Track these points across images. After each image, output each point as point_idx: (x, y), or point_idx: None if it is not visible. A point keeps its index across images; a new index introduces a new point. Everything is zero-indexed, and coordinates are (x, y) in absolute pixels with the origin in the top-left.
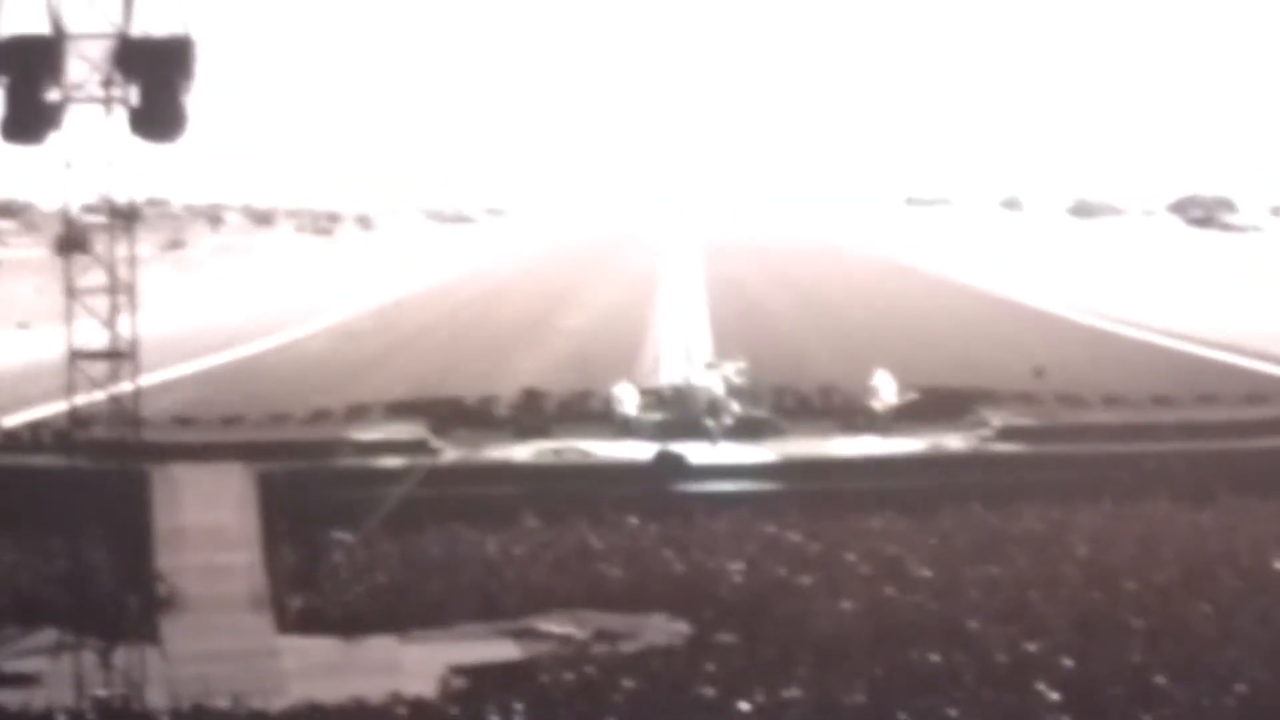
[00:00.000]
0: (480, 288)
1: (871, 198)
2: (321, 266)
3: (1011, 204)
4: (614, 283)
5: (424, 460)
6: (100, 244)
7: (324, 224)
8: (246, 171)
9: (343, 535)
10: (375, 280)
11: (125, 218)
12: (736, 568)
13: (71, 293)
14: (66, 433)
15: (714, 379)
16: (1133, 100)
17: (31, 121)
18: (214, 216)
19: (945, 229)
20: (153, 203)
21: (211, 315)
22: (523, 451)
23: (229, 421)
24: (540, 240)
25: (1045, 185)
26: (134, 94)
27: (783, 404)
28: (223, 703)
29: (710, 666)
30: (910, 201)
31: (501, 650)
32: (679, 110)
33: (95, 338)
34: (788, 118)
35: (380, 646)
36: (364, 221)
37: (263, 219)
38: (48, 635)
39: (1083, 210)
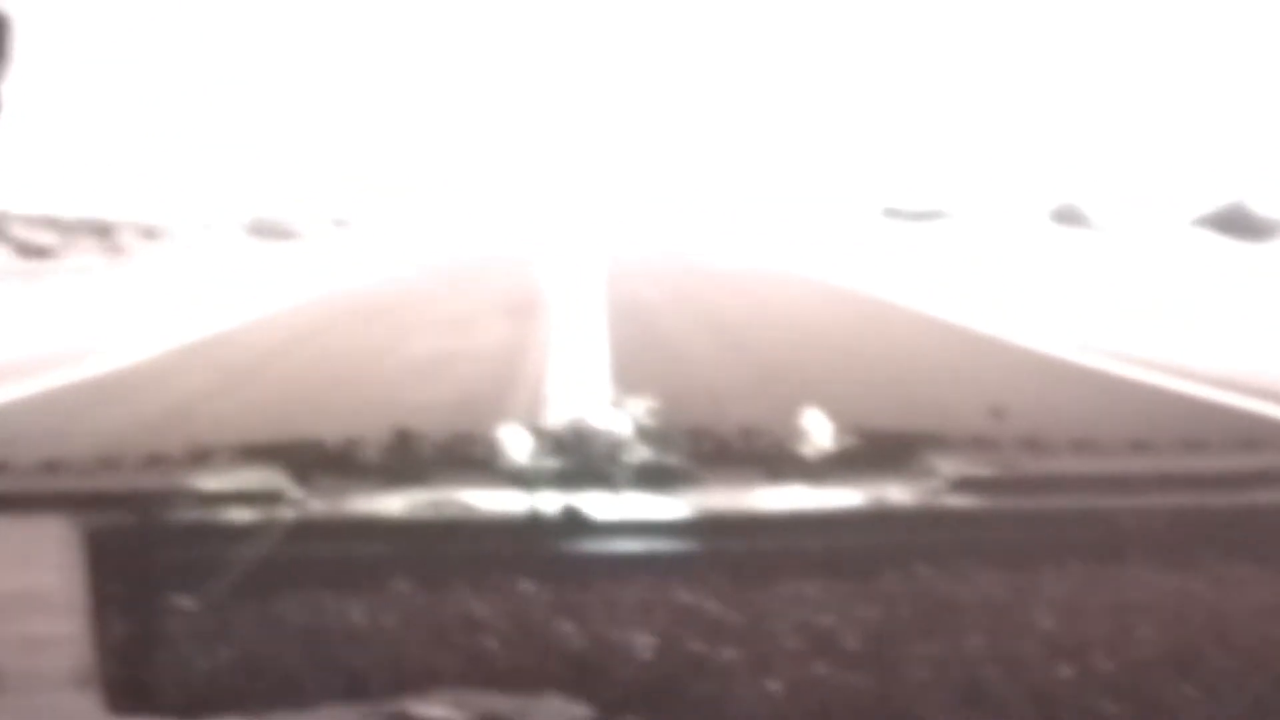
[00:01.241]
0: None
1: (835, 205)
2: None
3: (1069, 216)
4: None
5: (280, 514)
6: None
7: (38, 243)
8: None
9: (184, 601)
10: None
11: None
12: (645, 641)
13: None
14: None
15: (618, 420)
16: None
17: None
18: None
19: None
20: None
21: None
22: (395, 503)
23: (48, 466)
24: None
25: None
26: None
27: (699, 448)
28: None
29: None
30: (891, 214)
31: None
32: (584, 86)
33: None
34: (718, 94)
35: None
36: (150, 234)
37: None
38: None
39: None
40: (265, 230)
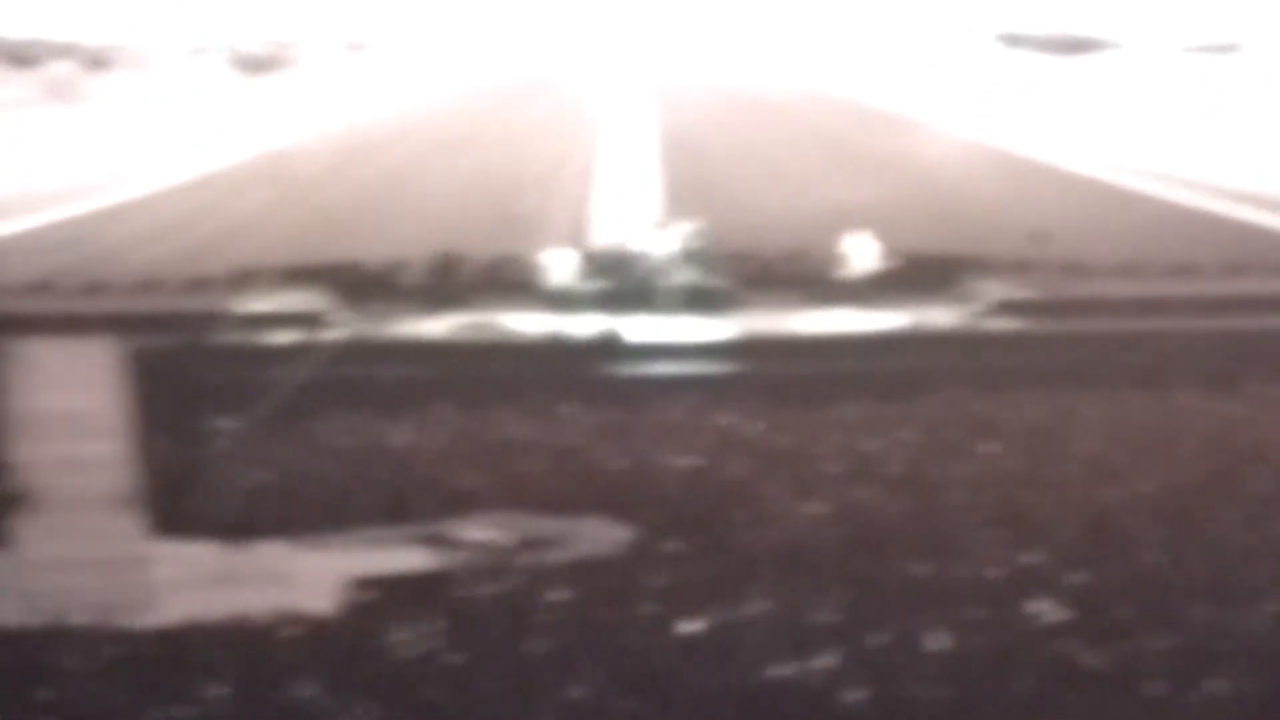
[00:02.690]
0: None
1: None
2: None
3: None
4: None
5: (321, 336)
6: None
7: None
8: None
9: (225, 423)
10: None
11: None
12: (687, 464)
13: None
14: None
15: (663, 242)
16: None
17: None
18: None
19: None
20: None
21: None
22: (436, 326)
23: (93, 289)
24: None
25: None
26: None
27: (743, 271)
28: (85, 618)
29: (655, 580)
30: (1013, 40)
31: (411, 559)
32: None
33: None
34: None
35: (269, 554)
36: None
37: None
38: None
39: None
40: (251, 62)
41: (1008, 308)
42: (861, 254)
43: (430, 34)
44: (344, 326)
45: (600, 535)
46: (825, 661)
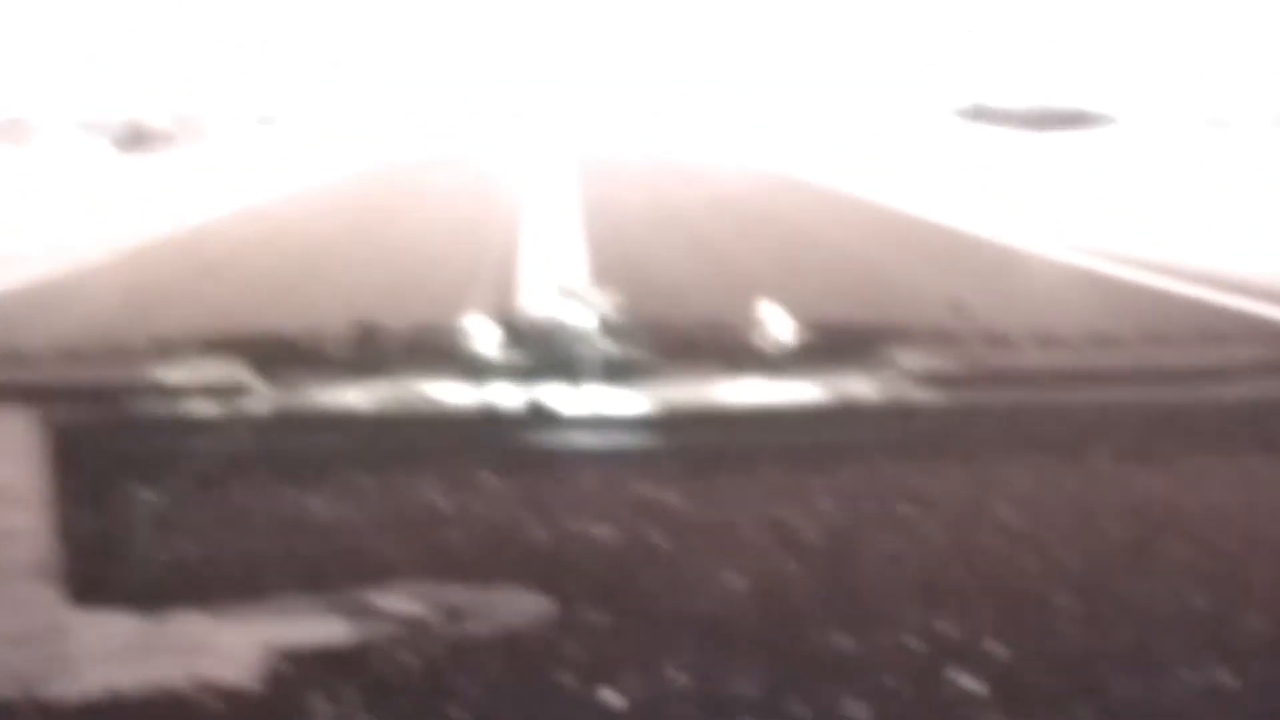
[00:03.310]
0: None
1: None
2: None
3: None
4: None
5: (242, 406)
6: None
7: None
8: None
9: (145, 493)
10: None
11: None
12: (607, 534)
13: None
14: None
15: (584, 313)
16: None
17: None
18: None
19: None
20: None
21: None
22: (357, 396)
23: (9, 357)
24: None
25: None
26: None
27: (661, 342)
28: (4, 691)
29: (576, 649)
30: (978, 115)
31: (331, 629)
32: None
33: None
34: None
35: (187, 624)
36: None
37: None
38: None
39: None
40: (131, 137)
41: (928, 378)
42: (781, 324)
43: (347, 106)
44: (264, 396)
45: (520, 606)
46: None
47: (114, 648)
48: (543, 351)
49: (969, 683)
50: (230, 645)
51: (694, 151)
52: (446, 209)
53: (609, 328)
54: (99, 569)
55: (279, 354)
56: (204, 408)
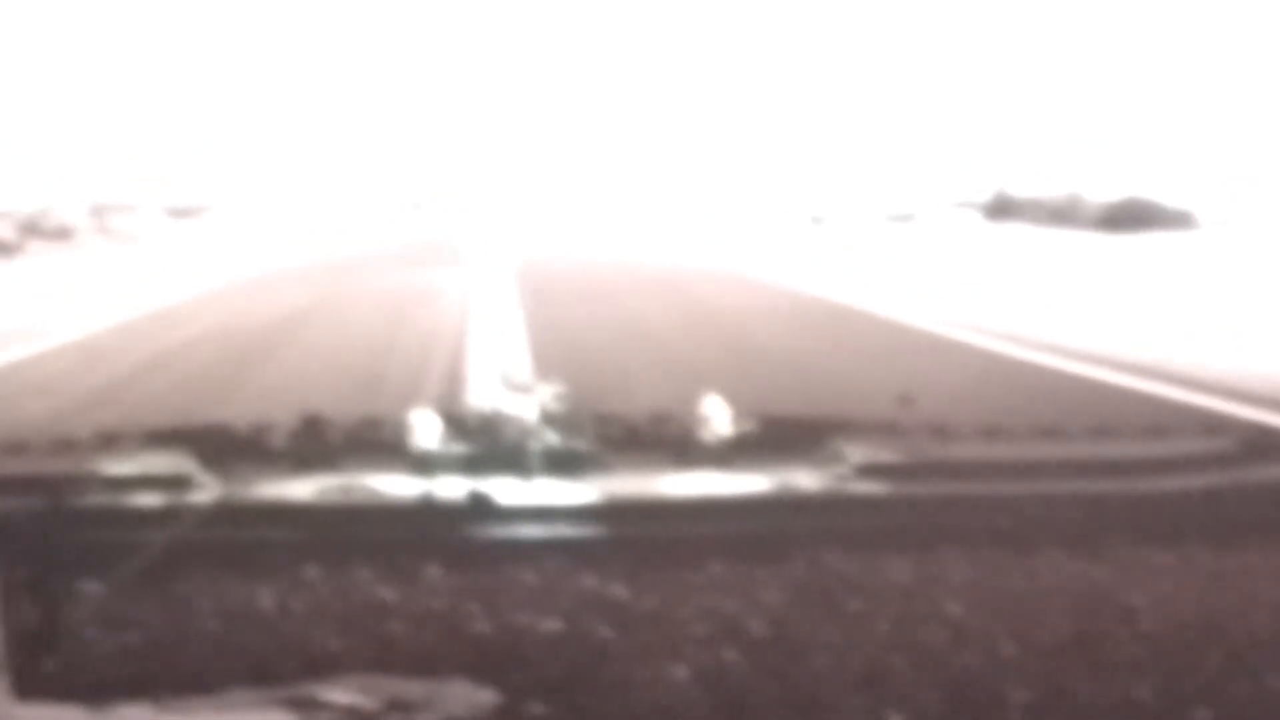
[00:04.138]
0: None
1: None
2: None
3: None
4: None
5: (188, 499)
6: None
7: None
8: None
9: (90, 586)
10: None
11: None
12: (552, 627)
13: None
14: None
15: (527, 405)
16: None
17: None
18: None
19: None
20: None
21: None
22: (303, 489)
23: None
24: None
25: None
26: None
27: (607, 434)
28: None
29: None
30: (817, 221)
31: None
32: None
33: None
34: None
35: (135, 717)
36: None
37: None
38: None
39: None
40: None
41: (871, 470)
42: (725, 417)
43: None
44: (209, 488)
45: (464, 698)
46: None
47: None
48: (486, 444)
49: None
50: None
51: (635, 247)
52: (387, 304)
53: (552, 419)
54: (43, 661)
55: (225, 446)
56: (149, 499)
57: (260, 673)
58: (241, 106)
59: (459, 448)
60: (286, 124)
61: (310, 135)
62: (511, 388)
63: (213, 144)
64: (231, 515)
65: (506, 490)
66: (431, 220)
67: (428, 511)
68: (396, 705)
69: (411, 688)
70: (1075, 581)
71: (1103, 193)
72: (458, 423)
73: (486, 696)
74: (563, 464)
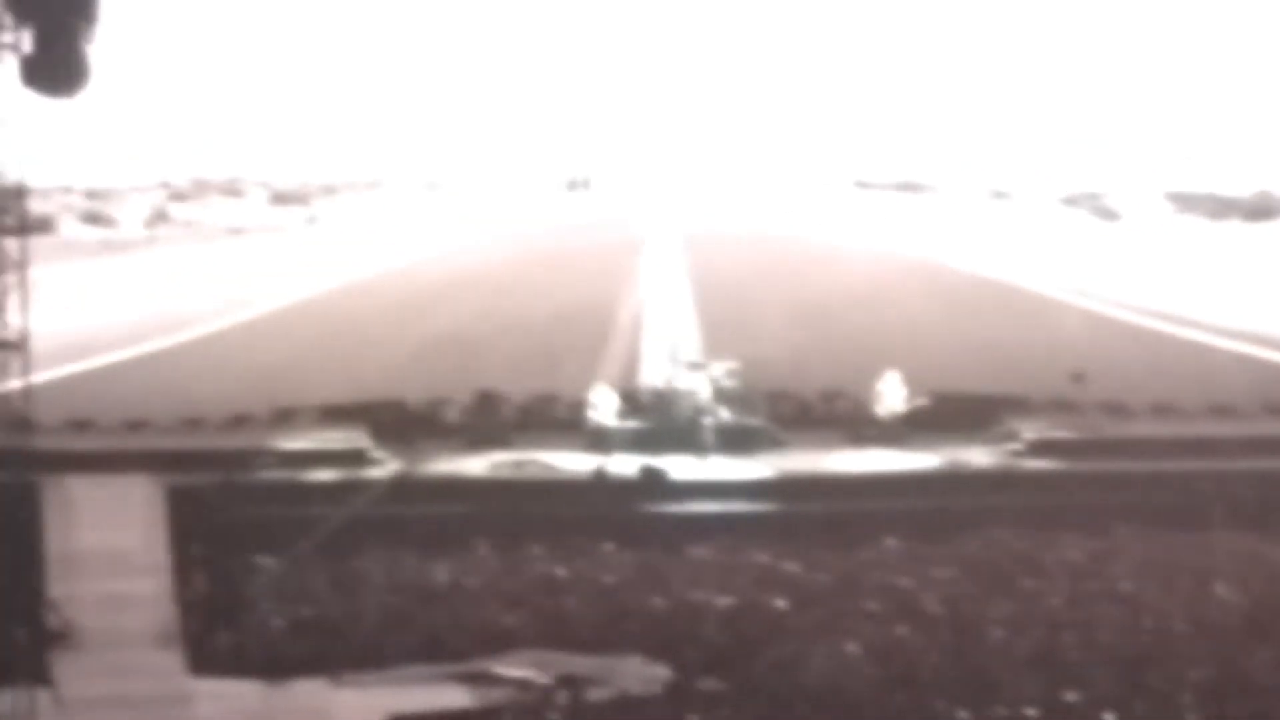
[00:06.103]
0: None
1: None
2: None
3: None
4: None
5: (362, 474)
6: None
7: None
8: None
9: (266, 561)
10: None
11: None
12: (725, 603)
13: None
14: None
15: (701, 382)
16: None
17: None
18: None
19: None
20: None
21: None
22: (477, 465)
23: (134, 426)
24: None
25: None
26: (26, 39)
27: (779, 411)
28: None
29: (694, 717)
30: (862, 185)
31: (450, 697)
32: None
33: None
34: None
35: (309, 691)
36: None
37: None
38: None
39: None
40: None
41: (1044, 447)
42: (897, 393)
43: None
44: (384, 464)
45: (637, 674)
46: None
47: (235, 714)
48: (660, 420)
49: None
50: (349, 712)
51: (797, 225)
52: (563, 282)
53: (725, 396)
54: (222, 635)
55: (401, 422)
56: (324, 475)
57: (434, 647)
58: (395, 85)
59: (632, 424)
60: (438, 102)
61: (461, 117)
62: (687, 365)
63: (378, 126)
64: (406, 490)
65: (680, 467)
66: (589, 201)
67: (601, 488)
68: (568, 681)
69: (584, 663)
70: (1249, 560)
71: None
72: (631, 399)
73: (659, 672)
74: (736, 441)
